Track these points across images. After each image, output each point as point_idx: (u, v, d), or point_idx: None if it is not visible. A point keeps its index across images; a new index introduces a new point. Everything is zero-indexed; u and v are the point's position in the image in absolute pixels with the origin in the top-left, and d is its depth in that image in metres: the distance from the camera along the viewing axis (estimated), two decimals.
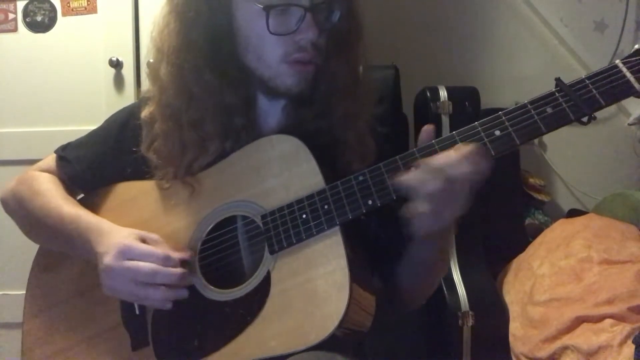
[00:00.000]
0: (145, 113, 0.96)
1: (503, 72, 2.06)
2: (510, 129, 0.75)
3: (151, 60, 0.95)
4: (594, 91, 0.73)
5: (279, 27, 0.85)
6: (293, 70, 0.87)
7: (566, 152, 2.05)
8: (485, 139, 0.76)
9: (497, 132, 0.75)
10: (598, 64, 2.04)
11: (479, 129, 0.76)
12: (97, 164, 1.01)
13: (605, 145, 2.04)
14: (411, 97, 1.82)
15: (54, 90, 1.77)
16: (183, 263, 0.86)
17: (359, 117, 0.93)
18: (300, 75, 0.88)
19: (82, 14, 1.76)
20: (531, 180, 1.98)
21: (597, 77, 0.74)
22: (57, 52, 1.77)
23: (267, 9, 0.84)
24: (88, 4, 1.75)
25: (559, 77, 0.75)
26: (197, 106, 0.90)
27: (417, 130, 1.86)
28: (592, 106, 0.73)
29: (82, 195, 1.04)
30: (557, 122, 0.74)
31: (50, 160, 1.06)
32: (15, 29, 1.78)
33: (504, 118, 0.76)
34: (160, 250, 0.84)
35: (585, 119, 0.74)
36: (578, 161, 2.06)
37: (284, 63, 0.87)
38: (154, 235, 0.88)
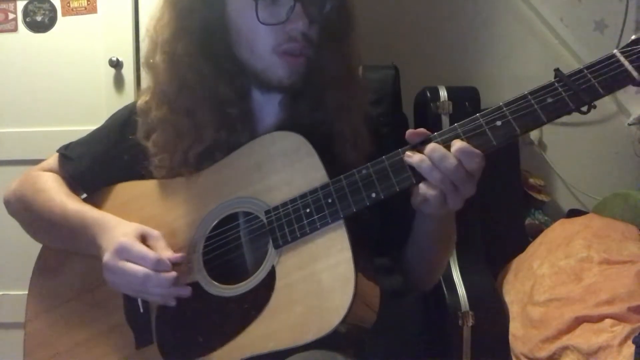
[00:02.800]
0: (140, 102, 0.97)
1: (503, 72, 2.06)
2: (509, 117, 0.76)
3: (148, 53, 0.96)
4: (593, 80, 0.74)
5: (269, 17, 0.86)
6: (284, 62, 0.88)
7: (566, 152, 2.05)
8: (486, 127, 0.77)
9: (498, 123, 0.76)
10: None
11: (481, 120, 0.77)
12: (100, 161, 1.02)
13: (605, 145, 2.04)
14: (411, 97, 1.83)
15: (54, 90, 1.77)
16: (181, 262, 0.87)
17: (352, 108, 0.93)
18: (292, 68, 0.89)
19: (82, 14, 1.76)
20: (531, 180, 1.98)
21: (595, 66, 0.74)
22: (57, 52, 1.77)
23: None
24: (88, 4, 1.75)
25: (558, 68, 0.76)
26: (190, 93, 0.91)
27: None
28: (592, 95, 0.73)
29: (84, 196, 1.04)
30: (557, 111, 0.75)
31: (53, 160, 1.06)
32: (15, 29, 1.78)
33: (504, 109, 0.77)
34: (153, 253, 0.84)
35: (584, 108, 0.74)
36: (578, 161, 2.06)
37: (275, 54, 0.88)
38: (154, 232, 0.88)
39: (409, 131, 0.80)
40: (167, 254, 0.85)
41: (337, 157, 0.89)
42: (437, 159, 0.75)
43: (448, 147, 0.77)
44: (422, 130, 0.80)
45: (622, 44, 0.74)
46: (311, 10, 0.88)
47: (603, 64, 0.74)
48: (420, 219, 0.90)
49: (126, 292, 0.89)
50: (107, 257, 0.85)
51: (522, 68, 2.05)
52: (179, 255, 0.86)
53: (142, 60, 0.98)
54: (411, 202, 0.83)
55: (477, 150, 0.76)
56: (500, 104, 0.77)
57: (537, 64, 2.04)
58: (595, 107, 0.74)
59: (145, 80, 0.97)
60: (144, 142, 0.95)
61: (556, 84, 0.75)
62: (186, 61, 0.90)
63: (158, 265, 0.83)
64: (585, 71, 0.74)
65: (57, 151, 1.06)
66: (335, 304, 0.75)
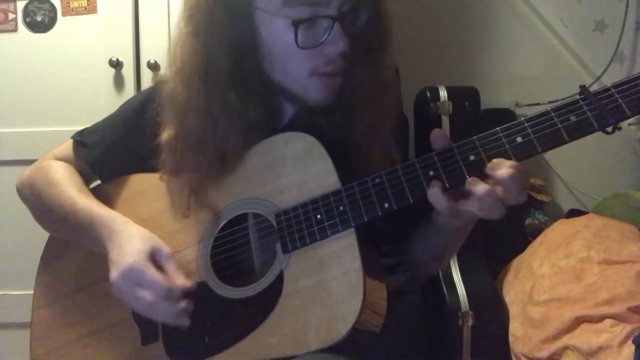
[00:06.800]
0: (165, 137, 0.92)
1: (503, 72, 2.06)
2: (532, 136, 0.74)
3: (170, 83, 0.91)
4: (620, 100, 0.70)
5: (307, 40, 0.82)
6: (322, 84, 0.86)
7: (566, 152, 2.03)
8: (507, 145, 0.74)
9: (519, 139, 0.74)
10: (598, 64, 2.04)
11: (501, 134, 0.75)
12: (115, 146, 1.01)
13: (605, 145, 2.03)
14: (411, 97, 1.82)
15: (54, 90, 1.77)
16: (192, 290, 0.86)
17: (384, 126, 0.91)
18: (329, 89, 0.86)
19: (82, 14, 1.76)
20: (531, 180, 1.98)
21: (623, 85, 0.71)
22: (57, 52, 1.77)
23: (296, 23, 0.81)
24: (88, 4, 1.75)
25: (584, 85, 0.73)
26: (222, 129, 0.88)
27: (417, 130, 1.85)
28: (618, 116, 0.70)
29: (95, 185, 1.04)
30: (580, 131, 0.72)
31: (66, 147, 1.05)
32: (15, 29, 1.78)
33: (526, 124, 0.74)
34: (165, 283, 0.83)
35: (609, 129, 0.71)
36: (578, 161, 2.06)
37: (313, 77, 0.85)
38: (165, 250, 0.87)
39: (436, 130, 0.78)
40: (178, 281, 0.84)
41: (364, 174, 0.85)
42: (510, 181, 0.73)
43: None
44: (443, 133, 0.78)
45: (622, 44, 0.72)
46: (348, 26, 0.84)
47: (632, 84, 0.70)
48: (435, 235, 0.88)
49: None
50: (115, 276, 0.84)
51: (522, 68, 2.05)
52: (189, 283, 0.84)
53: (166, 94, 0.92)
54: (432, 217, 0.83)
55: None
56: (522, 119, 0.75)
57: (537, 64, 2.04)
58: (620, 128, 0.71)
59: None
60: (167, 179, 0.92)
61: (581, 102, 0.72)
62: (217, 96, 0.87)
63: (169, 294, 0.82)
64: (612, 90, 0.71)
65: (72, 137, 1.05)
66: (343, 314, 0.75)
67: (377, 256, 0.87)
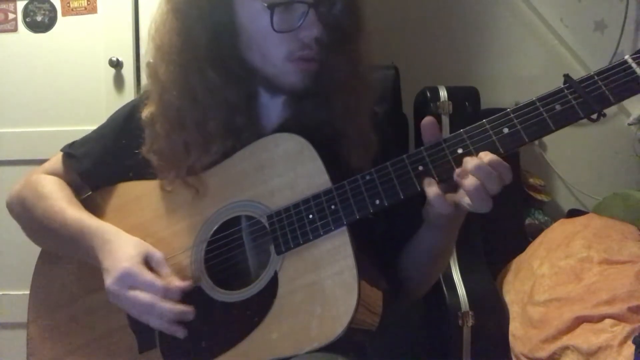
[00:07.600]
0: (145, 114, 0.94)
1: (503, 72, 2.06)
2: (518, 126, 0.74)
3: (151, 60, 0.94)
4: (603, 87, 0.71)
5: (283, 24, 0.84)
6: (297, 68, 0.87)
7: (566, 152, 2.05)
8: (494, 137, 0.75)
9: (506, 130, 0.74)
10: (598, 64, 2.02)
11: (487, 126, 0.75)
12: (104, 158, 1.01)
13: (605, 145, 2.04)
14: (411, 97, 1.82)
15: (54, 90, 1.77)
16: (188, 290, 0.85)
17: (360, 111, 0.92)
18: (305, 73, 0.88)
19: (82, 14, 1.76)
20: (531, 180, 1.98)
21: (606, 73, 0.72)
22: (57, 52, 1.77)
23: (272, 6, 0.83)
24: (88, 4, 1.75)
25: (568, 74, 0.73)
26: (201, 106, 0.89)
27: (417, 130, 1.84)
28: (602, 103, 0.71)
29: (86, 195, 1.04)
30: (566, 119, 0.73)
31: (56, 160, 1.05)
32: (15, 29, 1.79)
33: (512, 115, 0.75)
34: (160, 282, 0.82)
35: (594, 116, 0.72)
36: (578, 161, 2.06)
37: (289, 62, 0.86)
38: (157, 254, 0.86)
39: (427, 119, 0.79)
40: (175, 282, 0.83)
41: (343, 160, 0.87)
42: (484, 175, 0.73)
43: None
44: (434, 121, 0.79)
45: (622, 44, 0.72)
46: (323, 13, 0.86)
47: (614, 71, 0.71)
48: (427, 231, 0.88)
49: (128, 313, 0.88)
50: (110, 282, 0.84)
51: (522, 68, 2.05)
52: (186, 283, 0.84)
53: (146, 69, 0.94)
54: (423, 211, 0.82)
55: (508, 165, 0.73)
56: (508, 110, 0.75)
57: (537, 64, 2.04)
58: (605, 115, 0.71)
59: (152, 89, 0.94)
60: (149, 156, 0.93)
61: (565, 90, 0.73)
62: (196, 73, 0.88)
63: (167, 294, 0.82)
64: (596, 77, 0.71)
65: (62, 150, 1.05)
66: (338, 312, 0.75)
67: (373, 254, 0.87)
